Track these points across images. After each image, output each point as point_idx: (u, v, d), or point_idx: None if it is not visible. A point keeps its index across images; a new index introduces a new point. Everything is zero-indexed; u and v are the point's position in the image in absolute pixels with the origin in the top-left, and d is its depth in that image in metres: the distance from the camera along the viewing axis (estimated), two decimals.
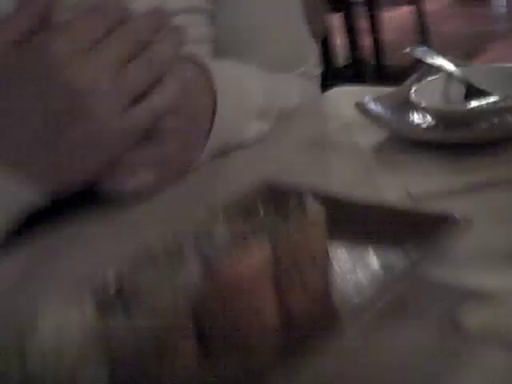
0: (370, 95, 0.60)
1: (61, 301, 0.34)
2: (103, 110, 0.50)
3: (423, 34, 3.52)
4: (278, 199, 0.41)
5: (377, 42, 3.19)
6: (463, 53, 3.16)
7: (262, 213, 0.41)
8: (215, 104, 0.59)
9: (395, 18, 3.99)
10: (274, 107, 0.65)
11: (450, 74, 0.60)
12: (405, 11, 3.81)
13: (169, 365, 0.32)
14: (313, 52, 0.79)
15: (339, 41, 3.22)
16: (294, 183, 0.44)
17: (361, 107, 0.58)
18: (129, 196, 0.54)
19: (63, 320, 0.32)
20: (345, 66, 3.18)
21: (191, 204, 0.53)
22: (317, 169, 0.56)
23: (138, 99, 0.51)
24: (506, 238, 0.41)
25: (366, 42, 3.20)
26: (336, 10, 2.99)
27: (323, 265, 0.37)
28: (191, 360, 0.33)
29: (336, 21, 3.07)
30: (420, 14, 3.54)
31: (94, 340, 0.31)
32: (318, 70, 0.79)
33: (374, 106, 0.58)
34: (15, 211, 0.51)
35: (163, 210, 0.53)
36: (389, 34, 3.45)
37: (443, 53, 0.65)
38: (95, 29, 0.51)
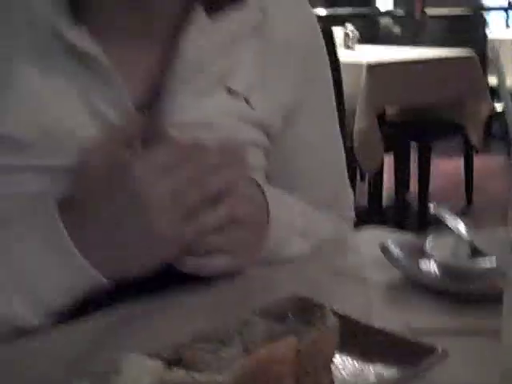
0: (392, 239, 0.74)
1: (138, 355, 0.46)
2: (162, 222, 0.63)
3: (468, 188, 3.64)
4: (305, 310, 0.54)
5: (422, 187, 3.27)
6: (502, 215, 3.28)
7: (291, 318, 0.54)
8: (268, 217, 0.73)
9: (445, 167, 4.13)
10: (311, 233, 0.79)
11: (459, 236, 0.74)
12: (456, 162, 3.93)
13: None
14: (349, 197, 0.93)
15: (386, 179, 3.33)
16: (318, 301, 0.57)
17: (383, 249, 0.71)
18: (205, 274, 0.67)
19: (141, 368, 0.45)
20: (388, 206, 3.27)
21: (236, 302, 0.66)
22: (338, 293, 0.69)
23: (192, 214, 0.64)
24: (474, 376, 0.53)
25: (412, 184, 3.31)
26: (388, 149, 3.09)
27: (331, 367, 0.50)
28: None
29: (386, 159, 3.18)
30: (468, 168, 3.66)
31: None
32: (352, 214, 0.93)
33: (394, 250, 0.72)
34: (80, 289, 0.64)
35: (214, 305, 0.66)
36: (437, 181, 3.58)
37: (461, 215, 0.79)
38: (172, 155, 0.65)
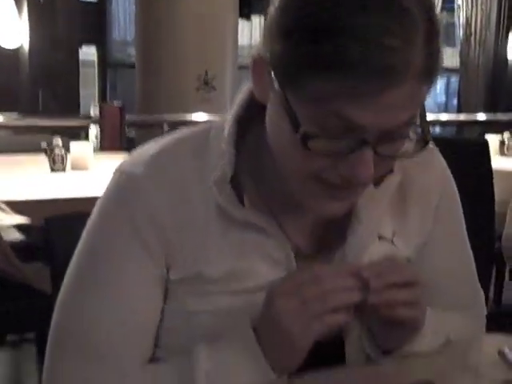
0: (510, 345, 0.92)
1: None
2: (293, 328, 0.82)
3: None
4: None
5: None
6: None
7: None
8: None
9: None
10: (443, 333, 0.99)
11: None
12: None
13: None
14: (481, 297, 1.12)
15: None
16: None
17: (501, 354, 0.90)
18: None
19: None
20: None
21: None
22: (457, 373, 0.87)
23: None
24: None
25: None
26: None
27: None
28: None
29: None
30: None
31: None
32: (483, 312, 1.11)
33: (509, 355, 0.90)
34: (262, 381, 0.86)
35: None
36: None
37: None
38: (309, 290, 0.83)
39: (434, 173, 1.05)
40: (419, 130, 0.84)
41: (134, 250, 0.92)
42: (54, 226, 1.22)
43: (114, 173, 0.96)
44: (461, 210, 1.09)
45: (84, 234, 0.96)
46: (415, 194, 1.03)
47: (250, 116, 0.94)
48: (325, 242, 0.99)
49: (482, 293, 1.13)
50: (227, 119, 0.94)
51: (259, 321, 0.88)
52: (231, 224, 0.92)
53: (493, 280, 3.29)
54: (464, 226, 1.10)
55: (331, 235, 0.98)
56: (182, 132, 0.99)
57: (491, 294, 3.25)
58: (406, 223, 1.03)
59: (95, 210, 0.96)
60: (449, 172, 1.08)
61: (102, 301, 0.92)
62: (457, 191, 1.09)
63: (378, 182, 0.95)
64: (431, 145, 1.02)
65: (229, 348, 0.88)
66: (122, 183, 0.94)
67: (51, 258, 1.20)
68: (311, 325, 0.83)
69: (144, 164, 0.93)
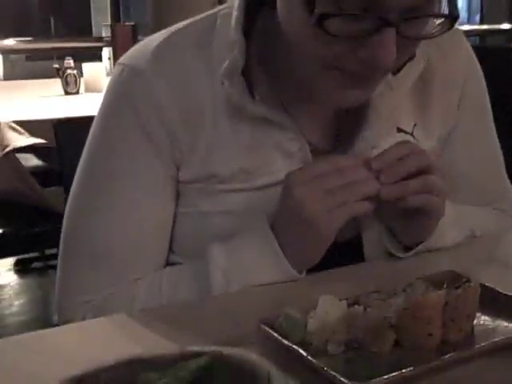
0: None
1: (330, 296, 0.66)
2: (315, 215, 0.79)
3: None
4: (456, 280, 0.70)
5: None
6: None
7: (445, 285, 0.70)
8: None
9: None
10: (466, 227, 0.94)
11: None
12: None
13: None
14: (508, 192, 1.07)
15: None
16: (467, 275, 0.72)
17: None
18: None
19: (332, 304, 0.64)
20: None
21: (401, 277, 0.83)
22: (487, 275, 0.84)
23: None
24: None
25: None
26: None
27: (473, 319, 0.66)
28: None
29: None
30: None
31: None
32: (511, 207, 1.07)
33: None
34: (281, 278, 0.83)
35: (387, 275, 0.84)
36: None
37: None
38: (324, 167, 0.81)
39: (459, 59, 0.99)
40: (445, 6, 0.78)
41: (140, 145, 0.88)
42: (63, 131, 1.18)
43: (117, 66, 0.91)
44: (487, 99, 1.03)
45: (90, 135, 0.92)
46: (438, 82, 0.97)
47: (258, 1, 0.88)
48: (340, 138, 0.94)
49: (510, 189, 1.08)
50: (234, 6, 0.88)
51: (277, 215, 0.84)
52: (242, 119, 0.88)
53: None
54: (491, 117, 1.04)
55: (347, 130, 0.93)
56: (186, 22, 0.92)
57: None
58: (429, 115, 0.97)
59: (99, 109, 0.92)
60: (474, 59, 1.02)
61: (112, 203, 0.88)
62: (483, 79, 1.02)
63: (398, 69, 0.89)
64: (456, 29, 0.95)
65: (245, 246, 0.84)
66: (125, 76, 0.89)
67: (61, 164, 1.17)
68: (336, 213, 0.80)
69: (147, 56, 0.88)
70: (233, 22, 0.86)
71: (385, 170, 0.81)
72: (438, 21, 0.78)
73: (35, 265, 3.47)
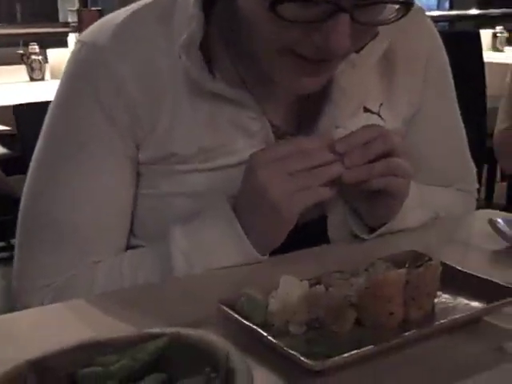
0: (501, 216, 0.88)
1: (291, 277, 0.65)
2: (277, 196, 0.78)
3: None
4: (417, 259, 0.70)
5: None
6: None
7: (406, 264, 0.70)
8: None
9: None
10: (430, 208, 0.95)
11: None
12: None
13: None
14: (472, 172, 1.08)
15: None
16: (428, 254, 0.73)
17: (490, 222, 0.86)
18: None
19: (293, 284, 0.64)
20: None
21: (367, 257, 0.83)
22: (448, 254, 0.84)
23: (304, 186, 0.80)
24: None
25: None
26: None
27: (433, 297, 0.66)
28: None
29: None
30: None
31: None
32: (474, 187, 1.07)
33: (500, 222, 0.86)
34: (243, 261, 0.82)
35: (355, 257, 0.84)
36: None
37: None
38: (287, 149, 0.80)
39: (421, 38, 0.99)
40: None
41: (100, 126, 0.86)
42: (24, 116, 1.16)
43: (76, 44, 0.89)
44: (451, 79, 1.03)
45: (48, 115, 0.90)
46: (401, 62, 0.97)
47: None
48: (305, 119, 0.93)
49: (473, 169, 1.09)
50: None
51: (239, 196, 0.83)
52: (202, 97, 0.86)
53: (484, 180, 3.27)
54: (455, 97, 1.04)
55: (311, 110, 0.92)
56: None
57: (482, 194, 3.24)
58: (394, 94, 0.97)
59: (58, 88, 0.90)
60: (438, 38, 1.01)
61: (70, 184, 0.87)
62: (446, 58, 1.02)
63: (361, 47, 0.88)
64: (418, 8, 0.95)
65: (207, 228, 0.83)
66: (84, 55, 0.87)
67: (23, 150, 1.15)
68: (298, 196, 0.80)
69: (107, 34, 0.86)
70: None
71: (350, 153, 0.81)
72: (396, 7, 0.78)
73: (0, 255, 3.42)
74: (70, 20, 3.80)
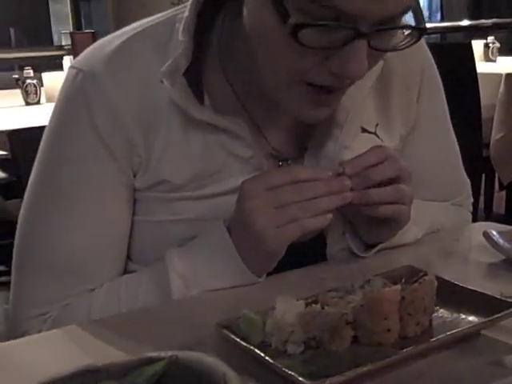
0: (496, 229, 0.88)
1: (288, 297, 0.65)
2: (263, 227, 0.78)
3: None
4: (413, 275, 0.70)
5: None
6: None
7: (403, 280, 0.70)
8: None
9: None
10: (427, 223, 0.95)
11: None
12: None
13: None
14: (466, 187, 1.08)
15: None
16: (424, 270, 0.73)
17: (485, 234, 0.86)
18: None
19: (290, 305, 0.64)
20: None
21: (364, 272, 0.83)
22: (445, 269, 0.84)
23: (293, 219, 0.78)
24: None
25: None
26: None
27: (431, 313, 0.66)
28: None
29: None
30: None
31: None
32: (469, 201, 1.08)
33: (495, 235, 0.86)
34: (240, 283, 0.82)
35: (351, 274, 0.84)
36: None
37: None
38: (279, 177, 0.79)
39: (414, 53, 0.99)
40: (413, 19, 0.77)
41: (97, 154, 0.86)
42: (18, 141, 1.16)
43: (69, 70, 0.89)
44: (443, 96, 1.04)
45: (42, 141, 0.90)
46: (396, 82, 0.97)
47: (217, 5, 0.87)
48: (307, 141, 0.93)
49: (468, 183, 1.09)
50: (187, 6, 0.86)
51: (231, 223, 0.83)
52: (194, 125, 0.86)
53: (482, 190, 3.27)
54: (448, 115, 1.05)
55: (315, 133, 0.92)
56: (144, 24, 0.90)
57: (481, 204, 3.24)
58: (389, 114, 0.97)
59: (52, 114, 0.90)
60: (430, 57, 1.02)
61: (66, 212, 0.86)
62: (438, 76, 1.03)
63: None
64: None
65: (204, 250, 0.83)
66: (80, 82, 0.86)
67: (19, 174, 1.15)
68: (284, 229, 0.79)
69: (103, 60, 0.86)
70: (182, 22, 0.84)
71: (358, 176, 0.81)
72: (406, 32, 0.78)
73: (1, 279, 3.40)
74: (63, 43, 3.82)
